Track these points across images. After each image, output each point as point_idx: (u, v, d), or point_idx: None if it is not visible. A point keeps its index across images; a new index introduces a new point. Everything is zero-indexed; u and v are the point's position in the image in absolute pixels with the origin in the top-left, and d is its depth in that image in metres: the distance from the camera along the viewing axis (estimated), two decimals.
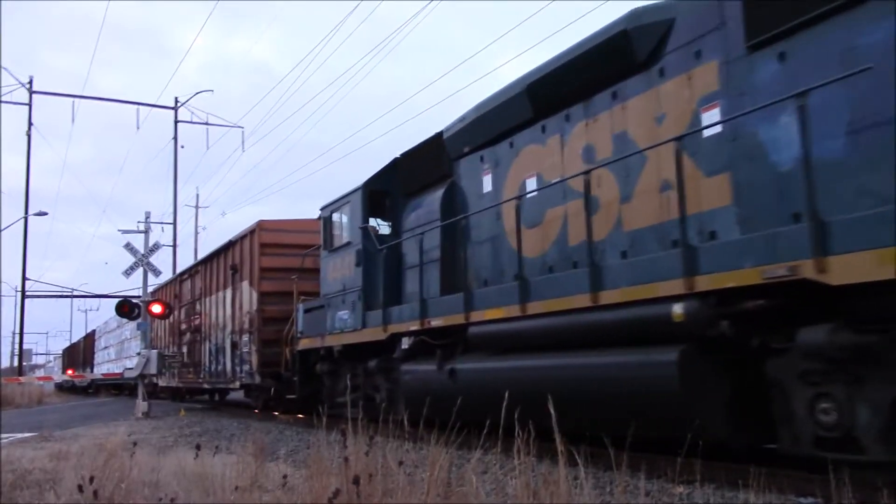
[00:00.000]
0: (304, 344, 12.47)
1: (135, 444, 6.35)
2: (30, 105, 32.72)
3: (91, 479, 4.16)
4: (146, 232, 18.92)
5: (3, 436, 11.45)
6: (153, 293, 23.43)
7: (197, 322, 19.06)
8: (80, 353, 43.86)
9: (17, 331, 36.96)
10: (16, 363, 41.63)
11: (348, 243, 10.98)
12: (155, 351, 18.91)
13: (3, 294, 73.31)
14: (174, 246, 33.31)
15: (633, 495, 4.52)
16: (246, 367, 14.99)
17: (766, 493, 4.26)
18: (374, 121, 31.73)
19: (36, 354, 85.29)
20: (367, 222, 10.55)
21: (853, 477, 4.00)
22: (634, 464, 5.10)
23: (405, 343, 9.07)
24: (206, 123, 33.83)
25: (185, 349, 20.43)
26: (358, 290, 10.44)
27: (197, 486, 4.90)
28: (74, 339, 54.71)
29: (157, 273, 18.83)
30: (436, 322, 8.40)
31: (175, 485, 4.97)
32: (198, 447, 5.44)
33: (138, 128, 33.14)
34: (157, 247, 18.89)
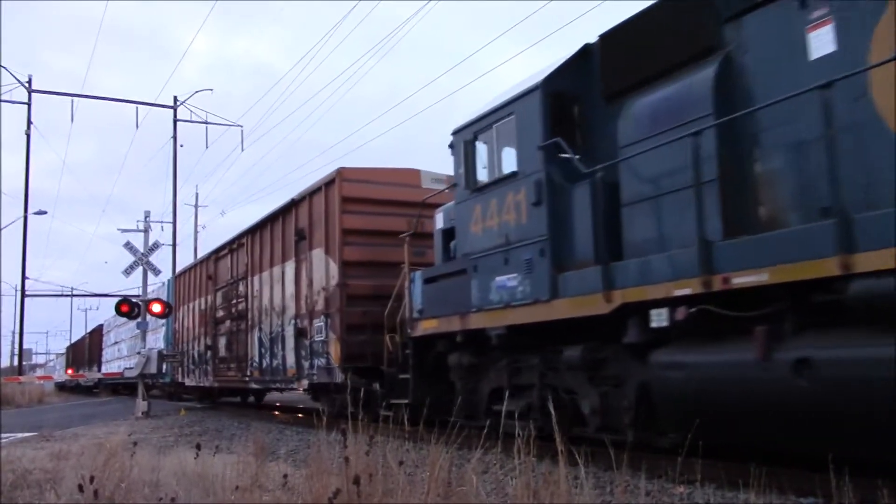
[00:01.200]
0: (426, 327, 8.94)
1: (135, 443, 6.36)
2: (29, 104, 32.68)
3: (91, 479, 4.16)
4: (146, 231, 19.01)
5: (3, 435, 11.45)
6: (179, 275, 22.30)
7: (241, 306, 15.69)
8: (85, 351, 42.45)
9: (17, 330, 37.00)
10: (16, 362, 41.64)
11: (513, 174, 7.53)
12: (155, 350, 18.91)
13: (3, 293, 73.46)
14: (174, 245, 33.30)
15: (634, 495, 4.53)
16: (320, 361, 11.61)
17: (766, 493, 4.27)
18: (373, 120, 31.73)
19: (36, 354, 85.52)
20: (550, 139, 7.04)
21: (853, 476, 3.99)
22: (635, 463, 5.09)
23: (657, 319, 5.80)
24: (206, 122, 33.76)
25: (222, 341, 17.13)
26: (539, 240, 7.04)
27: (197, 485, 4.91)
28: (75, 339, 54.35)
29: (156, 272, 18.85)
30: (743, 279, 5.00)
31: (175, 484, 4.97)
32: (198, 447, 5.43)
33: (137, 127, 33.03)
34: (156, 246, 18.96)
